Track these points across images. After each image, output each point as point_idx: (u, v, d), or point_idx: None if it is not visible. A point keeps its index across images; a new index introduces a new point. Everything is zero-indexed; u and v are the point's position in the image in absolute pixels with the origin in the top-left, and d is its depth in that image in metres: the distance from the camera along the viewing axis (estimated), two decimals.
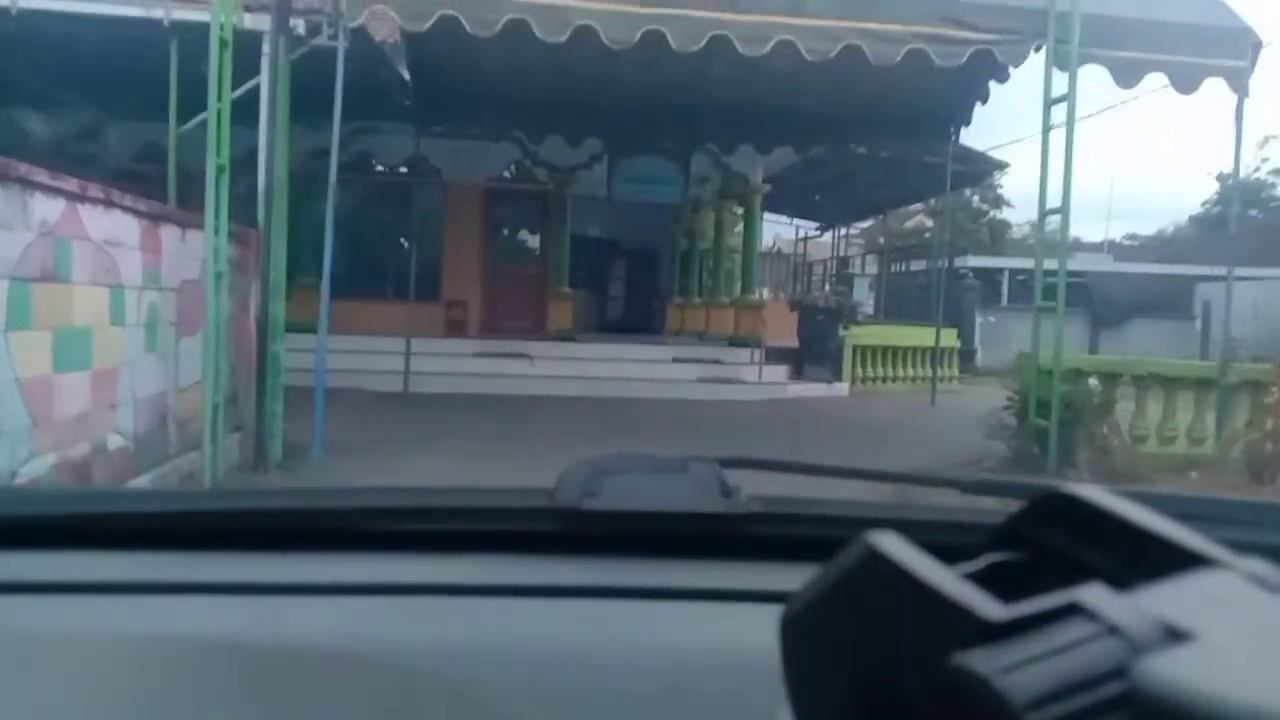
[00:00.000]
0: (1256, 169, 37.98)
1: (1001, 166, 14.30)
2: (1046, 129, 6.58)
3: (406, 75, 10.50)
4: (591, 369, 11.59)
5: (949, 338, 13.99)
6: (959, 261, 17.54)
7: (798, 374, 12.27)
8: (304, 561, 0.76)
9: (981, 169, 14.12)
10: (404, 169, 13.38)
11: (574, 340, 12.61)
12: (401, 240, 11.91)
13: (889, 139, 11.05)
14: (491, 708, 0.58)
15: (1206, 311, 22.37)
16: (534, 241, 15.38)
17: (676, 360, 12.28)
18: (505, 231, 15.36)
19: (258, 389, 6.60)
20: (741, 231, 15.01)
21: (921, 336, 14.13)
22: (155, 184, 8.84)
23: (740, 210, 15.64)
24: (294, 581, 0.73)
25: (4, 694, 0.60)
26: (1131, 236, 44.47)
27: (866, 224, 25.21)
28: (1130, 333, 21.78)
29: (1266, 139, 40.65)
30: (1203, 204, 41.64)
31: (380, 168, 14.15)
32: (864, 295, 15.20)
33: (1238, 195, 11.01)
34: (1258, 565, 0.31)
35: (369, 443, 7.60)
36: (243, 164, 6.32)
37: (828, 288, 16.73)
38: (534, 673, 0.61)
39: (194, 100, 6.17)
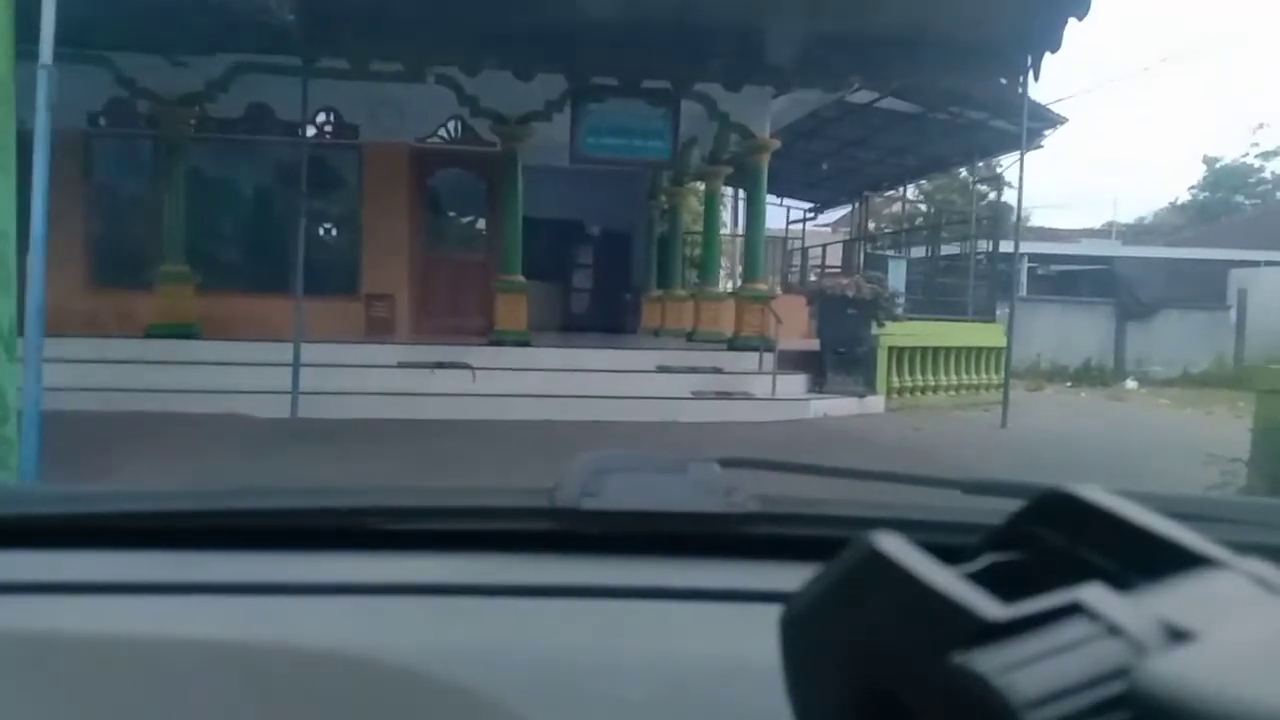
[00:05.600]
0: (1245, 154, 37.19)
1: (1059, 122, 11.62)
2: None
3: None
4: (552, 383, 8.80)
5: (996, 335, 11.31)
6: (981, 246, 14.89)
7: (820, 385, 9.48)
8: (302, 561, 0.73)
9: (1034, 126, 11.45)
10: (312, 129, 10.55)
11: (529, 344, 9.75)
12: (308, 220, 9.09)
13: (948, 70, 8.32)
14: (491, 708, 0.56)
15: (1242, 300, 20.05)
16: (478, 220, 12.47)
17: (662, 370, 9.44)
18: (441, 207, 12.37)
19: None
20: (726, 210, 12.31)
21: (964, 334, 11.44)
22: None
23: (730, 181, 12.87)
24: (292, 581, 0.70)
25: (4, 694, 0.59)
26: (1110, 225, 42.81)
27: (845, 211, 22.86)
28: (1160, 325, 19.42)
29: (1260, 125, 40.07)
30: (1190, 188, 40.23)
31: (287, 129, 11.32)
32: (901, 283, 12.35)
33: None
34: (1259, 566, 0.31)
35: None
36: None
37: (821, 275, 13.98)
38: (533, 673, 0.59)
39: None
